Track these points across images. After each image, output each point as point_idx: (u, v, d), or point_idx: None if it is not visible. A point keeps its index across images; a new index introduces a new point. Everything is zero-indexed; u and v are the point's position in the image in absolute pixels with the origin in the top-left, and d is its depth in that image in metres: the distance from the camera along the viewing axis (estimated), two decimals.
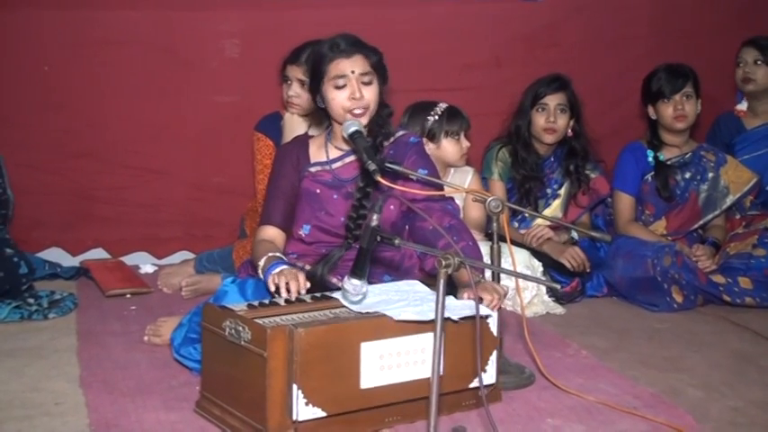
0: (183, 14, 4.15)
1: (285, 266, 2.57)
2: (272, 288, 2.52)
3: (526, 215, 4.02)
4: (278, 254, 2.71)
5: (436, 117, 3.73)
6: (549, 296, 3.69)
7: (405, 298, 2.46)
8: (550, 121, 3.92)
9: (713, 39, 4.77)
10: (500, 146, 4.05)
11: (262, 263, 2.65)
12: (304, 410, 2.17)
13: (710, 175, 4.03)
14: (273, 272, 2.55)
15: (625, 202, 4.04)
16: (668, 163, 4.02)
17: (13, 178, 3.82)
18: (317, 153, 2.94)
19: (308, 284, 2.52)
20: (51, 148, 4.12)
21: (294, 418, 2.17)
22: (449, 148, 3.73)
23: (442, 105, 3.76)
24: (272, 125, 3.76)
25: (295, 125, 3.60)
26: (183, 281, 3.76)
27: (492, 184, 4.03)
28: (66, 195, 4.19)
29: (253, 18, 4.24)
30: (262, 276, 2.64)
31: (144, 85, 4.16)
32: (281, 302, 2.45)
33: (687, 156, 4.04)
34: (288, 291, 2.48)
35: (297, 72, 3.58)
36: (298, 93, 3.60)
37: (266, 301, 2.46)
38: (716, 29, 4.80)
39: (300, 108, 3.63)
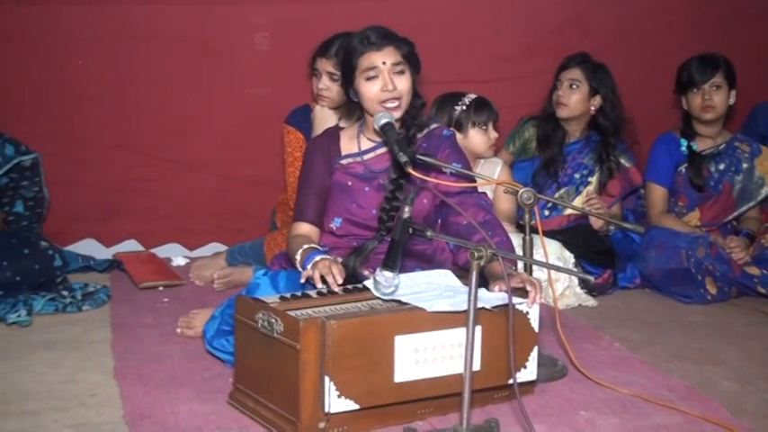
0: (213, 8, 4.16)
1: (321, 256, 2.57)
2: (302, 280, 2.53)
3: (557, 204, 4.00)
4: (313, 245, 2.71)
5: (464, 107, 3.72)
6: (582, 288, 3.67)
7: (437, 290, 2.46)
8: (560, 95, 3.97)
9: (752, 26, 4.71)
10: (528, 122, 4.13)
11: (299, 257, 2.65)
12: (336, 402, 2.17)
13: (745, 166, 3.98)
14: (314, 260, 2.55)
15: (658, 193, 4.00)
16: (702, 153, 3.98)
17: (48, 170, 3.86)
18: (348, 145, 2.93)
19: (343, 275, 2.52)
20: (85, 140, 4.16)
21: (326, 410, 2.17)
22: (476, 138, 3.72)
23: (471, 96, 3.75)
24: (301, 118, 3.76)
25: (326, 118, 3.59)
26: (215, 273, 3.77)
27: (502, 153, 4.12)
28: (99, 187, 4.23)
29: (282, 11, 4.24)
30: (301, 270, 2.63)
31: (176, 77, 4.18)
32: (314, 295, 2.45)
33: (721, 146, 4.00)
34: (324, 282, 2.48)
35: (326, 65, 3.57)
36: (328, 86, 3.59)
37: (299, 294, 2.47)
38: (755, 15, 4.74)
39: (331, 101, 3.62)
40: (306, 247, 2.67)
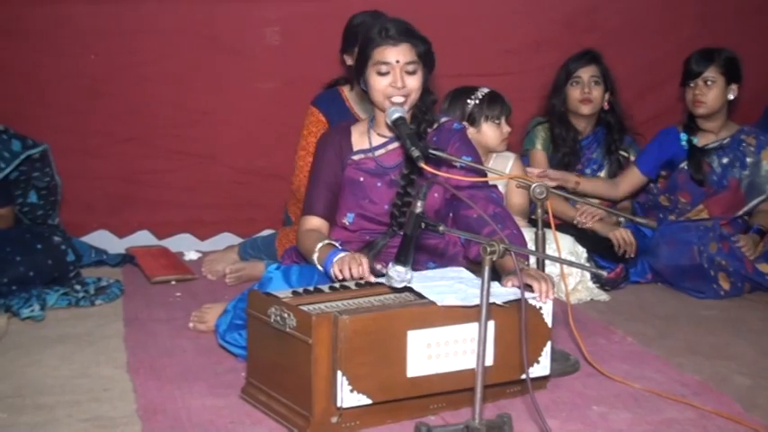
0: (224, 2, 4.17)
1: (344, 253, 2.57)
2: (339, 277, 2.52)
3: (570, 199, 3.99)
4: (332, 241, 2.72)
5: (476, 101, 3.71)
6: (594, 282, 3.66)
7: (449, 282, 2.46)
8: (585, 92, 3.96)
9: (762, 20, 4.67)
10: (542, 121, 4.09)
11: (317, 253, 2.65)
12: (349, 397, 2.17)
13: (749, 160, 3.92)
14: (335, 260, 2.55)
15: (633, 175, 4.01)
16: (704, 148, 3.96)
17: (61, 163, 3.88)
18: (359, 140, 2.93)
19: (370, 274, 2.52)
20: (99, 133, 4.20)
21: (339, 404, 2.18)
22: (489, 132, 3.71)
23: (483, 90, 3.74)
24: (328, 100, 3.76)
25: None
26: (228, 268, 3.78)
27: (534, 154, 4.08)
28: (112, 179, 4.27)
29: (293, 6, 4.25)
30: (319, 267, 2.64)
31: (188, 71, 4.21)
32: (326, 289, 2.46)
33: (725, 141, 3.95)
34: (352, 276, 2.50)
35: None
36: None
37: (311, 288, 2.47)
38: (765, 9, 4.70)
39: None
40: (324, 243, 2.67)
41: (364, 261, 2.51)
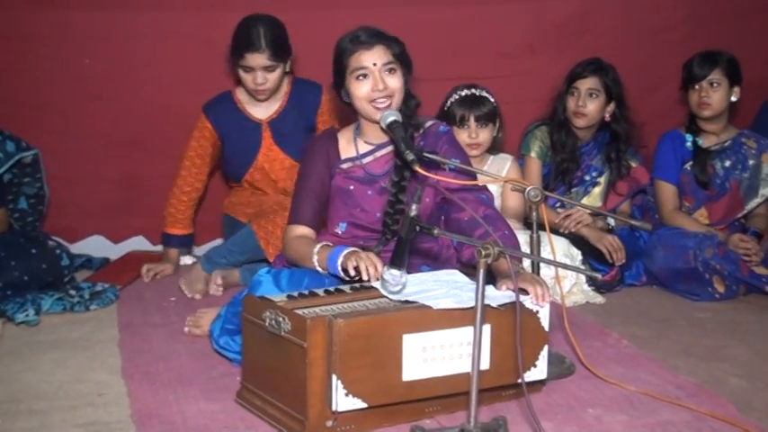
0: (220, 8, 4.18)
1: (352, 249, 2.57)
2: (353, 272, 2.51)
3: (565, 202, 3.98)
4: (327, 242, 2.71)
5: (449, 104, 3.72)
6: (589, 285, 3.66)
7: (444, 287, 2.45)
8: (579, 105, 3.91)
9: (758, 20, 4.67)
10: (540, 125, 4.06)
11: (316, 255, 2.65)
12: (344, 401, 2.17)
13: (751, 162, 3.95)
14: (345, 252, 2.55)
15: (668, 190, 3.99)
16: (708, 149, 3.96)
17: (57, 167, 3.88)
18: (346, 148, 2.92)
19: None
20: (94, 138, 4.20)
21: (334, 408, 2.17)
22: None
23: (464, 91, 3.72)
24: (218, 105, 3.86)
25: None
26: (217, 281, 3.69)
27: (528, 160, 4.03)
28: (108, 184, 4.27)
29: (286, 12, 4.24)
30: (318, 268, 2.64)
31: (184, 76, 4.20)
32: (321, 293, 2.46)
33: (726, 143, 3.97)
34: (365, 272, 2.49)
35: (260, 59, 3.61)
36: (266, 78, 3.65)
37: (306, 292, 2.47)
38: (760, 10, 4.70)
39: (270, 92, 3.72)
40: (323, 244, 2.67)
41: (378, 261, 2.50)
